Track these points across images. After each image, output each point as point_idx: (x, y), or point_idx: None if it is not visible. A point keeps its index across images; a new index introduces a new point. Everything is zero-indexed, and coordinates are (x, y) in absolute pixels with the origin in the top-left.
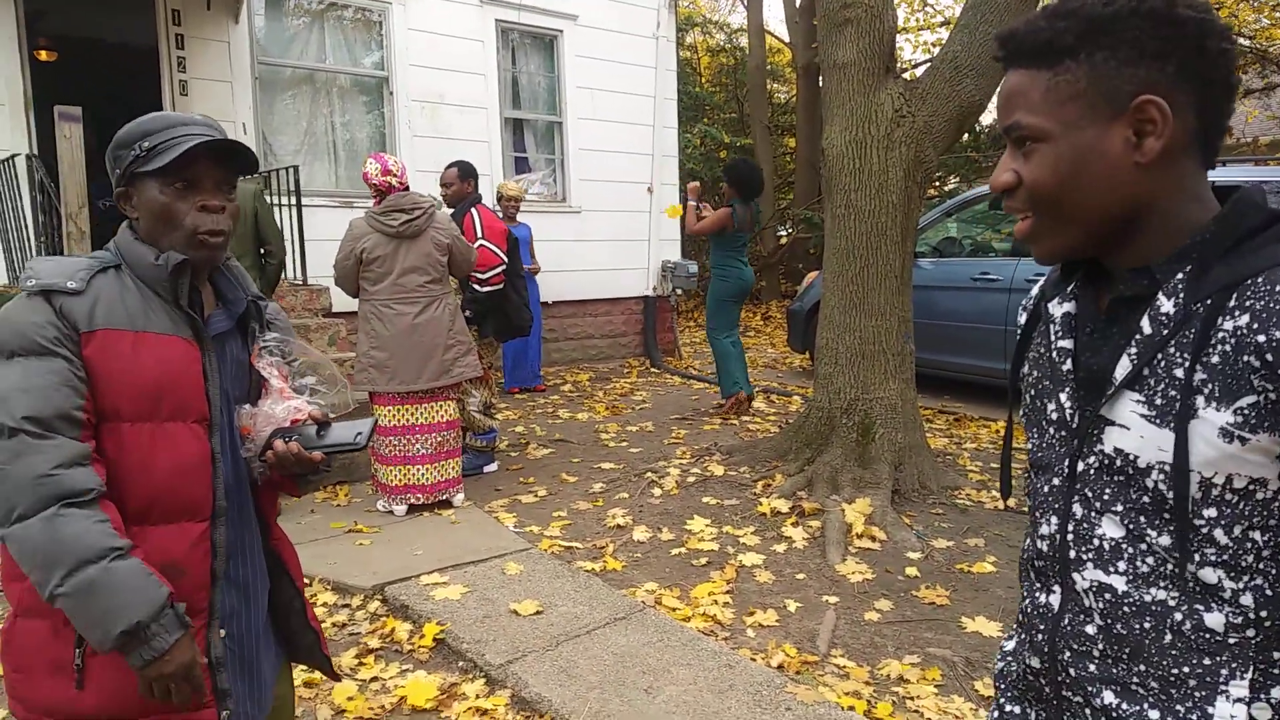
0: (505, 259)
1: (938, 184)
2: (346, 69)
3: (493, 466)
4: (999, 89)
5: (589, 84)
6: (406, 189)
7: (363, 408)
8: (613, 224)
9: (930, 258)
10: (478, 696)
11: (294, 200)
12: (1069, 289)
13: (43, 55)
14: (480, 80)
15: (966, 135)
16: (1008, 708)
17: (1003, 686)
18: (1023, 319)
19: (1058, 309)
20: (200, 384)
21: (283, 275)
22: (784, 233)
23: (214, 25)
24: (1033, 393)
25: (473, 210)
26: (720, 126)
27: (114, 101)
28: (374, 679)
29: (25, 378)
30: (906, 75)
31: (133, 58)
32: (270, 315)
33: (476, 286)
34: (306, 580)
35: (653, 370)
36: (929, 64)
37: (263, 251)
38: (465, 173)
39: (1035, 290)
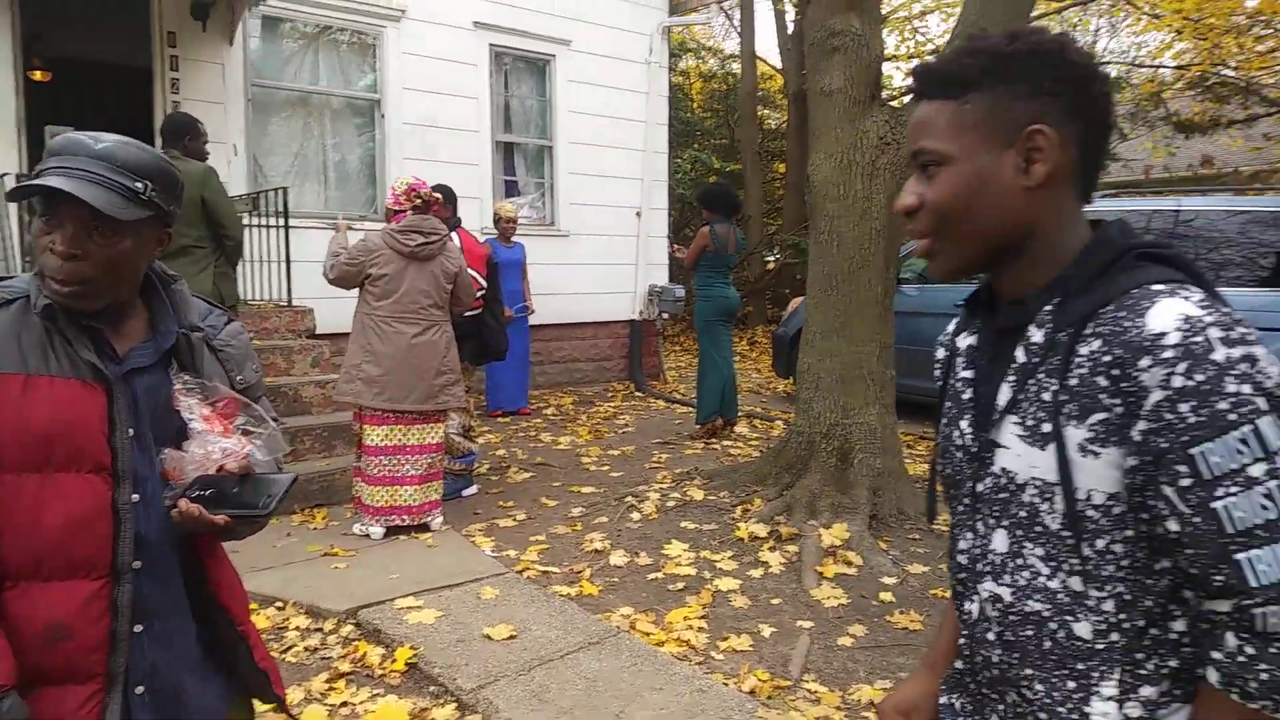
0: (484, 284)
1: None
2: (339, 91)
3: (472, 490)
4: (909, 120)
5: (580, 108)
6: (428, 214)
7: (341, 429)
8: (600, 248)
9: (915, 284)
10: None
11: (282, 221)
12: (974, 324)
13: (37, 75)
14: (473, 104)
15: None
16: (943, 699)
17: (944, 685)
18: (941, 354)
19: (964, 342)
20: (101, 430)
21: (241, 257)
22: (772, 258)
23: (209, 47)
24: (945, 420)
25: (453, 235)
26: (711, 152)
27: (109, 124)
28: (344, 704)
29: None
30: (895, 103)
31: (128, 79)
32: (224, 339)
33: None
34: (280, 604)
35: (637, 394)
36: None
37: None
38: (445, 198)
39: (951, 327)
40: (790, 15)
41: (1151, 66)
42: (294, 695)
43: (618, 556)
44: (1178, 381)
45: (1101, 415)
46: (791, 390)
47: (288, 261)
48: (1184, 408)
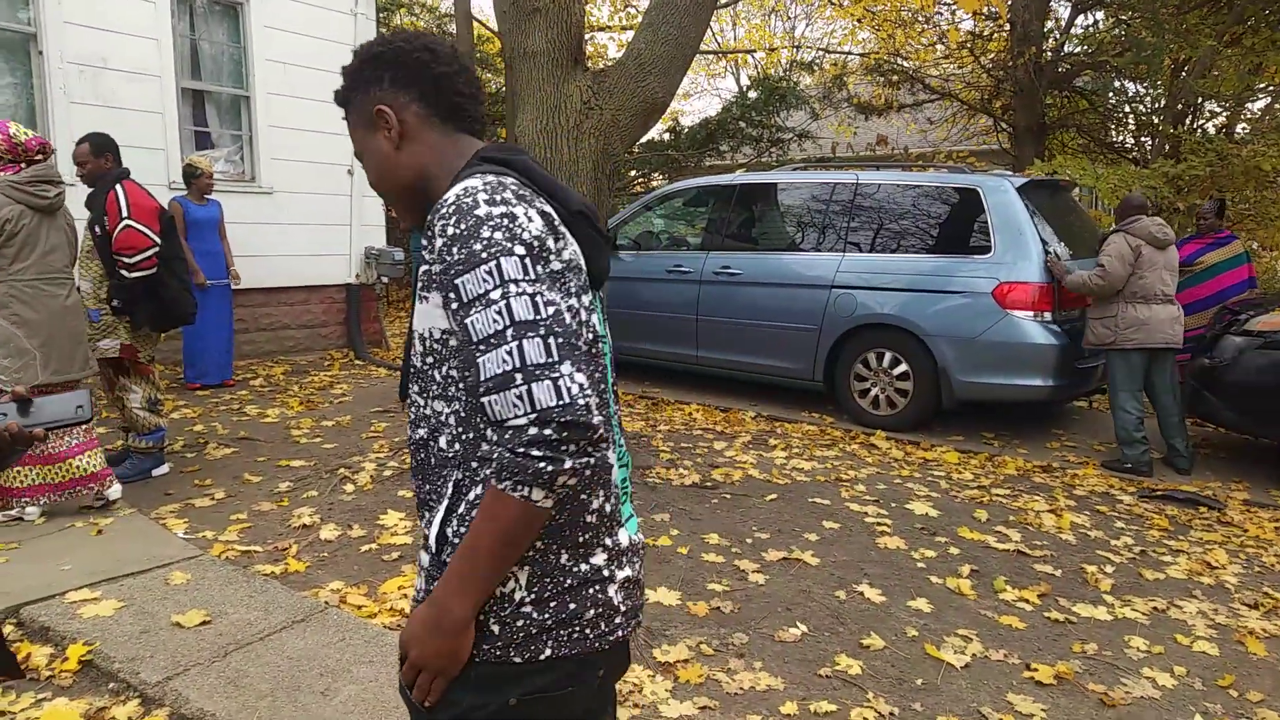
0: (158, 241)
1: (643, 181)
2: None
3: (163, 469)
4: None
5: (281, 58)
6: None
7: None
8: (310, 207)
9: (630, 250)
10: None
11: None
12: None
13: None
14: (152, 45)
15: (669, 135)
16: None
17: None
18: None
19: None
20: None
21: None
22: None
23: None
24: None
25: (117, 187)
26: None
27: None
28: (2, 714)
29: None
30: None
31: None
32: None
33: (124, 273)
34: None
35: (356, 362)
36: (616, 60)
37: None
38: (100, 147)
39: None
40: None
41: (839, 53)
42: None
43: (329, 530)
44: (450, 230)
45: (425, 267)
46: None
47: None
48: (454, 249)
